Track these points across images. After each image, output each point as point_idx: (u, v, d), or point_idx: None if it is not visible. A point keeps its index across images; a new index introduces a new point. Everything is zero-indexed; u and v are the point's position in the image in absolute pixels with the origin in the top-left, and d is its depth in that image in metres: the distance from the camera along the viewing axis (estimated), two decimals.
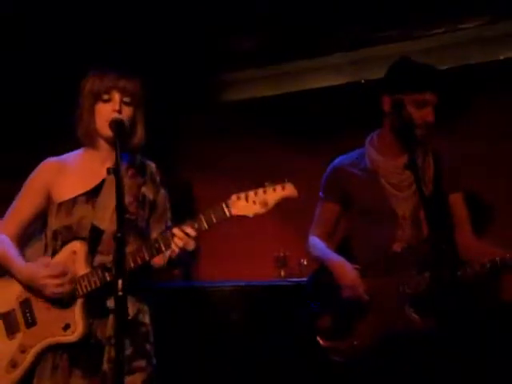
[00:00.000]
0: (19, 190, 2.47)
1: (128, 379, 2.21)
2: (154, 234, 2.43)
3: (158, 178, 2.49)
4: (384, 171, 2.72)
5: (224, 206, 2.15)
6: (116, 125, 2.25)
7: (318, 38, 4.08)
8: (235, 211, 2.14)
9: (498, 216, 3.82)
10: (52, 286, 2.24)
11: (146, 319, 2.42)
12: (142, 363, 2.32)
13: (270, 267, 4.34)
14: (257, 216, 2.15)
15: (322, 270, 2.79)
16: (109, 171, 2.11)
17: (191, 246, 2.21)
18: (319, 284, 2.79)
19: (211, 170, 4.73)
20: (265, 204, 2.13)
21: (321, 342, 2.70)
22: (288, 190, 2.14)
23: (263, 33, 4.09)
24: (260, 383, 3.76)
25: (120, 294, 1.96)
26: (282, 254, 4.33)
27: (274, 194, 2.13)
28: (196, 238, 2.20)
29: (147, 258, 2.24)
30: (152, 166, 2.50)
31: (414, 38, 4.04)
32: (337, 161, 2.89)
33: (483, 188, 3.72)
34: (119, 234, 1.99)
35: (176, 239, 2.19)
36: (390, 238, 2.66)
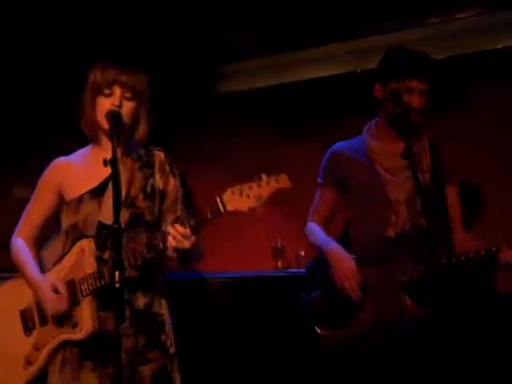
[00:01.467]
0: None
1: (142, 369, 2.28)
2: (165, 225, 2.41)
3: (167, 167, 2.47)
4: (379, 156, 2.74)
5: (219, 201, 2.14)
6: (112, 116, 2.24)
7: (314, 28, 4.07)
8: (230, 206, 2.13)
9: (495, 203, 3.84)
10: (51, 310, 2.32)
11: (163, 310, 2.41)
12: (155, 354, 2.33)
13: (267, 258, 4.34)
14: (252, 209, 2.13)
15: (321, 257, 2.78)
16: (105, 162, 2.10)
17: (186, 244, 2.17)
18: (318, 272, 2.78)
19: (208, 162, 4.73)
20: (259, 197, 2.12)
21: (319, 330, 2.69)
22: (282, 181, 2.13)
23: (260, 24, 4.09)
24: (257, 375, 3.76)
25: (117, 285, 1.97)
26: (279, 245, 4.33)
27: (267, 187, 2.12)
28: (192, 237, 2.18)
29: (147, 255, 2.24)
30: (161, 155, 2.48)
31: (411, 28, 4.04)
32: (335, 146, 2.90)
33: (481, 177, 3.72)
34: (116, 226, 1.99)
35: (169, 238, 2.18)
36: (383, 223, 2.66)
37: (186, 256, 2.30)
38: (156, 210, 2.41)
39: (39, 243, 2.49)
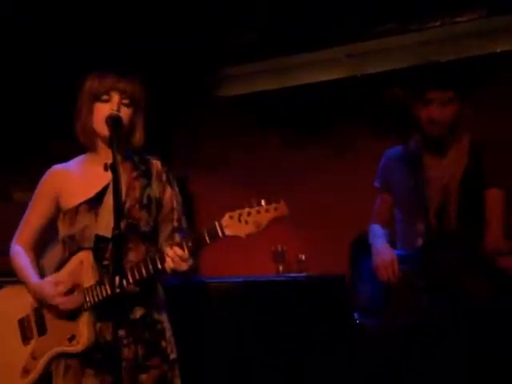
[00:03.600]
0: None
1: (143, 377, 2.28)
2: (162, 235, 2.42)
3: (164, 176, 2.46)
4: (414, 164, 2.82)
5: (217, 226, 2.14)
6: (112, 120, 2.23)
7: (314, 31, 4.07)
8: (228, 231, 2.14)
9: None
10: (62, 305, 2.28)
11: (162, 317, 2.41)
12: (155, 361, 2.32)
13: (267, 262, 4.34)
14: (249, 236, 2.15)
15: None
16: (106, 167, 2.10)
17: (184, 267, 2.18)
18: (365, 268, 2.90)
19: (208, 166, 4.72)
20: (258, 225, 2.12)
21: (358, 320, 2.84)
22: (280, 210, 2.13)
23: (261, 27, 4.08)
24: (258, 379, 3.75)
25: (118, 290, 1.98)
26: (279, 249, 4.33)
27: (267, 215, 2.12)
28: (189, 260, 2.19)
29: (144, 274, 2.23)
30: (158, 164, 2.47)
31: (411, 32, 4.03)
32: (386, 152, 3.00)
33: None
34: (117, 231, 1.99)
35: (167, 259, 2.18)
36: (416, 230, 2.76)
37: (182, 275, 2.28)
38: (152, 221, 2.39)
39: (38, 250, 2.48)
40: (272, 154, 4.50)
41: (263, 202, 2.13)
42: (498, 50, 3.94)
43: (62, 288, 2.28)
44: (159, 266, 2.20)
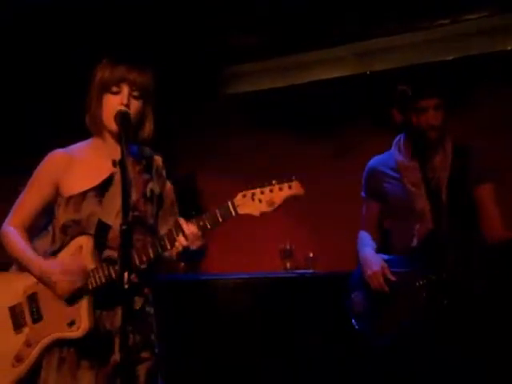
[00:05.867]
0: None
1: (137, 368, 2.26)
2: (163, 229, 2.41)
3: (163, 173, 2.47)
4: (404, 170, 2.92)
5: (230, 204, 2.13)
6: (121, 117, 2.22)
7: (322, 29, 4.07)
8: (241, 210, 2.13)
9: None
10: (63, 283, 2.23)
11: (152, 310, 2.41)
12: (147, 353, 2.32)
13: (275, 259, 4.35)
14: (263, 214, 2.13)
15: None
16: (114, 163, 2.10)
17: (196, 244, 2.18)
18: (356, 275, 2.98)
19: (216, 162, 4.74)
20: (271, 203, 2.11)
21: (357, 326, 2.89)
22: (295, 188, 2.12)
23: (268, 25, 4.08)
24: (265, 375, 3.77)
25: (126, 286, 1.96)
26: (287, 247, 4.34)
27: (280, 193, 2.11)
28: (201, 237, 2.18)
29: (152, 255, 2.22)
30: (159, 159, 2.47)
31: (418, 30, 4.03)
32: (370, 161, 3.10)
33: None
34: (125, 226, 1.97)
35: (181, 238, 2.17)
36: (410, 234, 2.84)
37: (190, 255, 2.28)
38: (154, 215, 2.40)
39: (30, 234, 2.40)
40: (277, 150, 4.51)
41: (277, 181, 2.12)
42: (509, 48, 3.93)
43: (66, 265, 2.23)
44: (168, 247, 2.19)
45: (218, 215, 2.14)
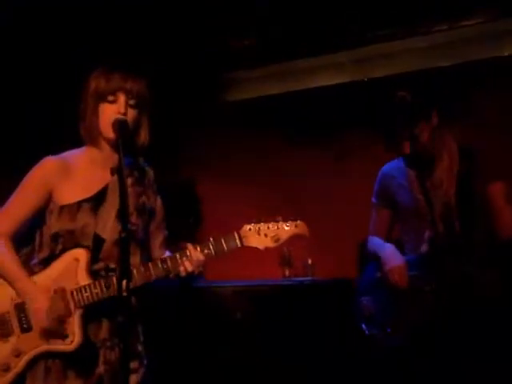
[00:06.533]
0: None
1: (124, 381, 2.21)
2: (155, 243, 2.43)
3: (155, 186, 2.45)
4: (414, 176, 2.94)
5: (236, 236, 2.18)
6: (119, 125, 2.20)
7: (320, 36, 4.08)
8: (247, 242, 2.18)
9: None
10: (42, 317, 2.21)
11: (138, 320, 2.39)
12: (135, 364, 2.29)
13: (274, 266, 4.34)
14: (268, 249, 2.20)
15: (370, 265, 3.01)
16: (112, 171, 2.09)
17: (199, 270, 2.23)
18: (366, 278, 3.00)
19: (215, 169, 4.73)
20: (277, 239, 2.18)
21: (367, 331, 2.89)
22: (300, 228, 2.20)
23: (266, 31, 4.09)
24: (264, 382, 3.75)
25: (125, 294, 1.94)
26: (286, 253, 4.33)
27: (286, 231, 2.19)
28: (204, 264, 2.22)
29: (154, 277, 2.23)
30: (151, 172, 2.46)
31: (417, 36, 4.04)
32: (384, 167, 3.10)
33: None
34: (124, 234, 1.96)
35: (186, 263, 2.20)
36: (422, 238, 2.86)
37: (188, 278, 2.28)
38: (145, 228, 2.39)
39: (16, 240, 2.34)
40: (276, 157, 4.51)
41: (283, 219, 2.20)
42: (506, 54, 3.94)
43: (54, 309, 2.20)
44: (171, 271, 2.21)
45: (224, 245, 2.19)
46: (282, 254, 4.34)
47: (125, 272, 1.97)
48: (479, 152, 2.88)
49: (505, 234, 2.79)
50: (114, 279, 2.18)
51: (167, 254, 2.40)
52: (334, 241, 4.27)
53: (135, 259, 2.29)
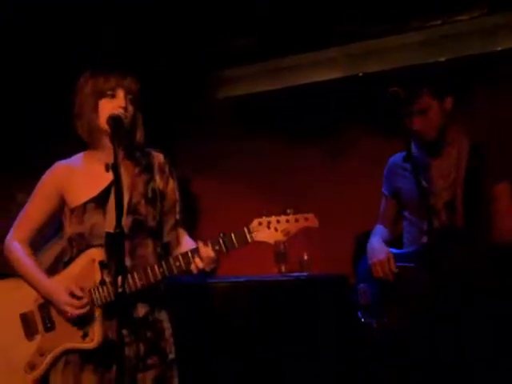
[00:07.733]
0: None
1: (140, 376, 2.28)
2: (166, 226, 2.44)
3: (167, 169, 2.47)
4: (418, 167, 2.89)
5: (246, 231, 2.20)
6: (113, 121, 2.23)
7: (313, 31, 4.08)
8: (257, 237, 2.20)
9: None
10: (71, 312, 2.28)
11: (162, 316, 2.41)
12: (154, 360, 2.33)
13: (270, 262, 4.34)
14: (278, 242, 2.22)
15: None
16: (107, 167, 2.11)
17: (210, 267, 2.25)
18: (362, 267, 3.01)
19: (211, 167, 4.73)
20: (287, 233, 2.20)
21: (363, 319, 2.92)
22: (311, 221, 2.22)
23: (259, 28, 4.09)
24: (260, 379, 3.76)
25: (120, 290, 1.98)
26: (282, 249, 4.32)
27: (296, 224, 2.20)
28: (216, 261, 2.24)
29: (167, 273, 2.26)
30: (160, 156, 2.48)
31: (411, 31, 4.04)
32: (392, 157, 3.12)
33: None
34: (118, 230, 2.00)
35: (197, 260, 2.22)
36: (423, 230, 2.86)
37: (201, 274, 2.31)
38: (158, 215, 2.41)
39: (35, 248, 2.45)
40: (271, 153, 4.51)
41: (293, 212, 2.21)
42: (499, 48, 3.94)
43: (77, 303, 2.27)
44: (183, 268, 2.24)
45: (235, 241, 2.22)
46: (278, 249, 4.34)
47: (120, 269, 2.00)
48: (491, 149, 2.87)
49: (506, 234, 2.78)
50: (129, 276, 2.23)
51: (187, 241, 2.43)
52: (329, 236, 4.27)
53: (146, 250, 2.34)
